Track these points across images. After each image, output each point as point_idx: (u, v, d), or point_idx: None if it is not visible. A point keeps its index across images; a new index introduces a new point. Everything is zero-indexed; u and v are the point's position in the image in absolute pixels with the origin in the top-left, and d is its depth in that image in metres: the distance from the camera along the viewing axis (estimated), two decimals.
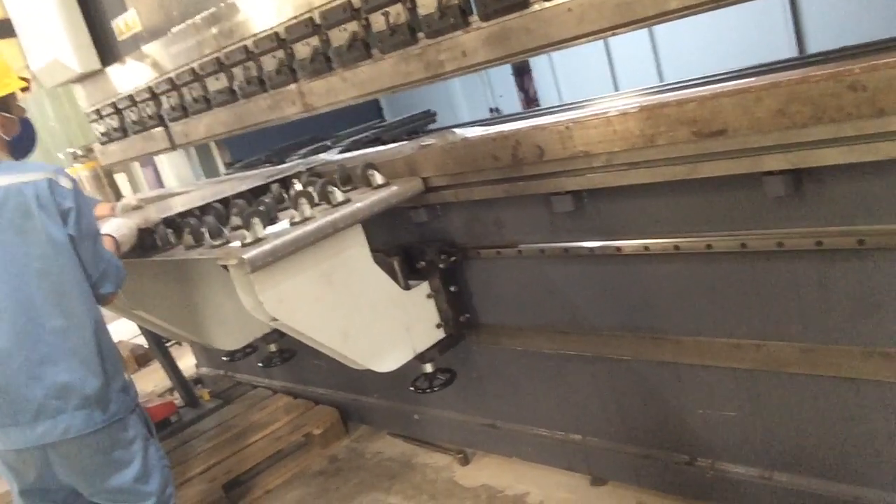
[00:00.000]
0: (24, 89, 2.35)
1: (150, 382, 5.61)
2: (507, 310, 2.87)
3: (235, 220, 2.64)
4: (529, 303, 2.77)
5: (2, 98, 2.26)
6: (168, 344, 4.94)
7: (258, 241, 2.28)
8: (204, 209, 2.85)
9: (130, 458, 2.32)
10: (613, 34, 2.09)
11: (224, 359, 4.21)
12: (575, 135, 2.19)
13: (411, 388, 2.98)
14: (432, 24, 2.44)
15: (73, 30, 4.09)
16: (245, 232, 2.31)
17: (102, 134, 4.56)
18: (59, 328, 2.16)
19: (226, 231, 2.52)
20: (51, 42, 4.16)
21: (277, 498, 3.50)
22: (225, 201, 2.94)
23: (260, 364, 4.00)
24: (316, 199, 2.57)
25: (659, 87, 3.23)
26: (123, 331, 6.46)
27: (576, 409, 2.84)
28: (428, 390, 2.95)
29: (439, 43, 2.49)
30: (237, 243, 2.32)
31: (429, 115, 4.24)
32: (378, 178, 2.66)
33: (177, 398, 4.59)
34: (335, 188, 2.54)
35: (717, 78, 2.72)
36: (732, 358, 2.28)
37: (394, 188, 2.62)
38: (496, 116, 4.81)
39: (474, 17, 2.37)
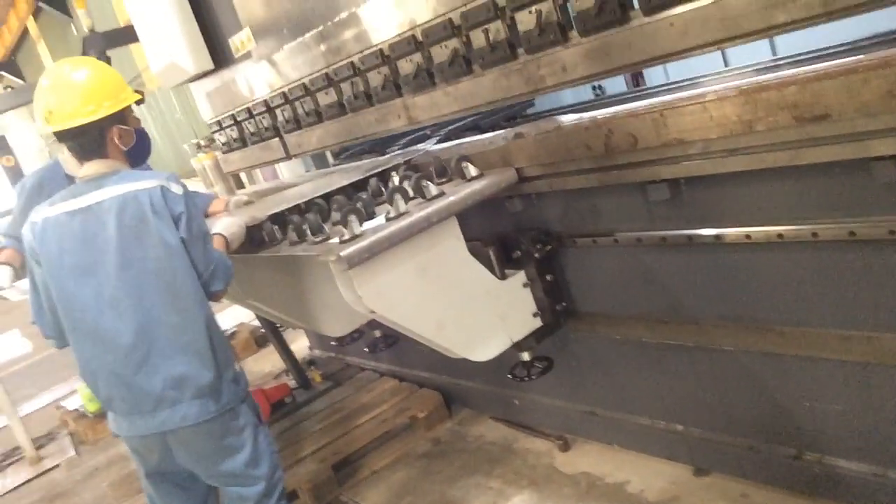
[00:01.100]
0: (138, 101, 2.52)
1: (268, 363, 5.92)
2: (604, 298, 2.84)
3: (336, 216, 2.74)
4: (627, 291, 2.73)
5: (118, 112, 2.42)
6: (282, 328, 5.20)
7: (355, 237, 2.36)
8: (308, 205, 2.97)
9: (241, 444, 2.47)
10: (719, 48, 2.02)
11: (333, 342, 4.39)
12: (669, 122, 2.14)
13: (509, 376, 3.02)
14: (532, 40, 2.46)
15: (187, 34, 4.32)
16: (343, 228, 2.40)
17: (223, 144, 4.82)
18: (174, 324, 2.33)
19: (326, 227, 2.62)
20: (168, 46, 4.42)
21: (383, 479, 3.63)
22: (327, 197, 3.05)
23: (366, 349, 4.15)
24: (411, 194, 2.63)
25: (771, 62, 3.07)
26: (243, 315, 6.84)
27: (677, 398, 2.79)
28: (525, 378, 2.98)
29: (539, 58, 2.49)
30: (336, 240, 2.41)
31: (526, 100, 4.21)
32: (472, 171, 2.69)
33: (291, 380, 4.82)
34: (429, 182, 2.58)
35: (832, 52, 2.57)
36: (841, 350, 2.17)
37: (487, 180, 2.64)
38: (598, 98, 4.70)
39: (574, 33, 2.36)
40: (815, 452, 2.42)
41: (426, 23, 2.83)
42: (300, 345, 5.68)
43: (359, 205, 2.64)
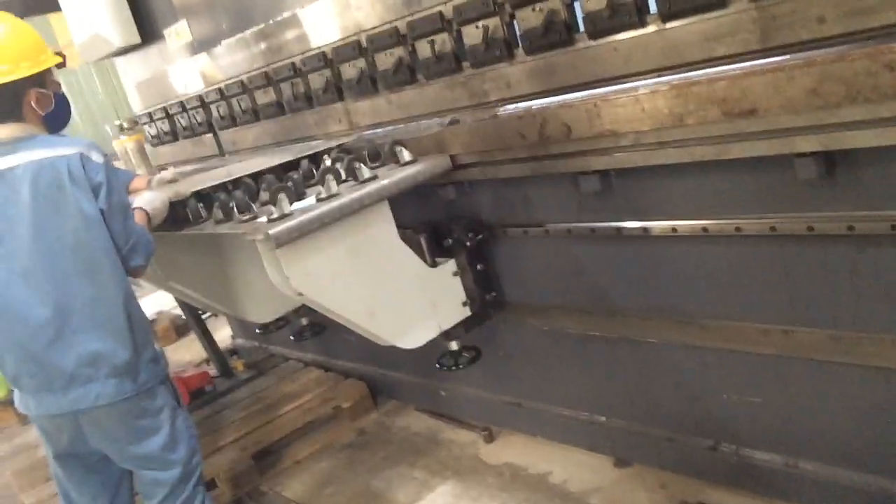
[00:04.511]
0: (59, 65, 2.39)
1: (189, 352, 5.75)
2: (533, 289, 2.85)
3: (264, 196, 2.67)
4: (556, 282, 2.75)
5: (37, 74, 2.28)
6: (205, 316, 5.06)
7: (284, 216, 2.30)
8: (235, 183, 2.88)
9: (158, 426, 2.38)
10: (660, 76, 2.09)
11: (258, 331, 4.29)
12: (603, 113, 2.15)
13: (437, 366, 3.00)
14: (477, 54, 2.53)
15: (113, 4, 4.16)
16: (272, 207, 2.34)
17: (153, 136, 4.70)
18: (90, 299, 2.21)
19: (254, 206, 2.55)
20: (92, 16, 4.24)
21: (306, 469, 3.56)
22: (256, 176, 2.97)
23: (291, 337, 4.07)
24: (343, 176, 2.58)
25: None
26: (164, 302, 6.62)
27: (600, 390, 2.83)
28: (453, 368, 2.97)
29: (484, 73, 2.57)
30: (264, 219, 2.34)
31: None
32: (406, 155, 2.66)
33: (212, 369, 4.69)
34: (362, 165, 2.54)
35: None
36: (760, 343, 2.24)
37: (420, 165, 2.61)
38: None
39: (519, 51, 2.43)
40: (731, 443, 2.49)
41: (372, 29, 2.88)
42: (223, 334, 5.53)
43: (289, 184, 2.57)
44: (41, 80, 2.31)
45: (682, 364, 2.50)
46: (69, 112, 2.50)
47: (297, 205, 2.43)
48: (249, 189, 2.81)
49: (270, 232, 2.21)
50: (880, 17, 1.71)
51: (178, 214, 2.80)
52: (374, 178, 2.53)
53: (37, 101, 2.29)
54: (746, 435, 2.43)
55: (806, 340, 2.13)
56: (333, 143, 3.20)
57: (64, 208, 2.17)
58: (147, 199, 2.58)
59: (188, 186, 2.78)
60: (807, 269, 2.05)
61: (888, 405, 2.06)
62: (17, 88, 2.25)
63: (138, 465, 2.40)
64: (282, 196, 2.34)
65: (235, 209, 2.52)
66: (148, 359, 2.34)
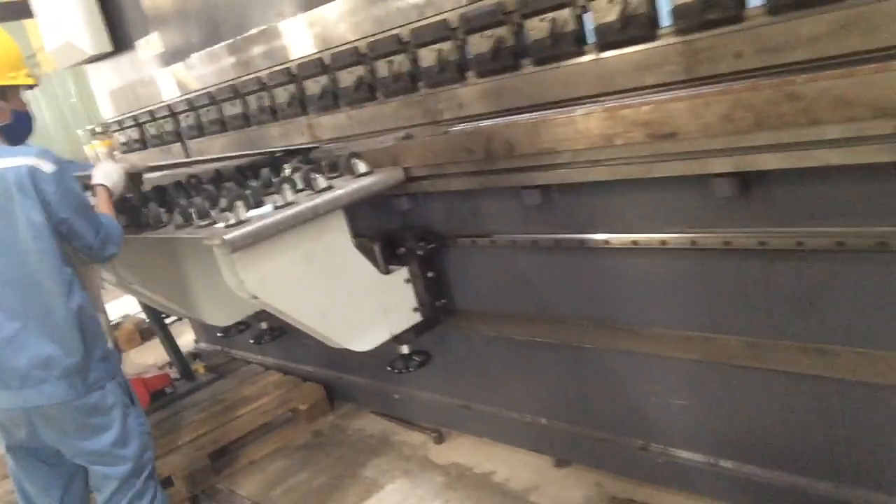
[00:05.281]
0: (30, 86, 2.46)
1: (152, 355, 5.80)
2: (481, 297, 3.00)
3: (224, 203, 2.78)
4: (502, 291, 2.90)
5: (3, 87, 2.34)
6: (169, 320, 5.12)
7: (240, 223, 2.42)
8: (196, 189, 2.99)
9: (109, 423, 2.45)
10: (596, 101, 2.26)
11: (219, 335, 4.39)
12: (542, 132, 2.31)
13: (388, 368, 3.13)
14: (432, 75, 2.69)
15: (86, 13, 4.26)
16: (229, 214, 2.45)
17: (123, 143, 4.79)
18: (40, 305, 2.29)
19: (213, 213, 2.66)
20: (65, 24, 4.32)
21: (261, 468, 3.66)
22: (217, 183, 3.09)
23: (251, 341, 4.17)
24: (300, 185, 2.71)
25: None
26: (129, 306, 6.67)
27: (542, 393, 2.97)
28: (403, 371, 3.10)
29: (438, 93, 2.73)
30: (221, 225, 2.46)
31: None
32: (361, 167, 2.79)
33: (174, 371, 4.76)
34: (318, 175, 2.67)
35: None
36: (683, 349, 2.40)
37: (375, 177, 2.74)
38: None
39: (470, 74, 2.59)
40: (659, 444, 2.65)
41: (335, 47, 3.02)
42: (187, 338, 5.60)
43: (248, 192, 2.69)
44: (3, 93, 2.37)
45: (615, 368, 2.66)
46: (30, 129, 2.53)
47: (254, 212, 2.54)
48: (210, 196, 2.92)
49: (226, 237, 2.32)
50: (790, 54, 1.88)
51: (140, 219, 2.91)
52: (330, 188, 2.65)
53: None
54: (673, 435, 2.59)
55: (725, 347, 2.30)
56: (292, 148, 3.34)
57: (13, 219, 2.23)
58: (105, 173, 2.69)
59: (144, 161, 2.87)
60: (724, 281, 2.22)
61: (798, 408, 2.23)
62: None
63: (89, 460, 2.49)
64: (238, 203, 2.46)
65: (195, 215, 2.63)
66: (98, 357, 2.42)
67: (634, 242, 2.36)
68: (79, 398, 2.37)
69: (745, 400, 2.34)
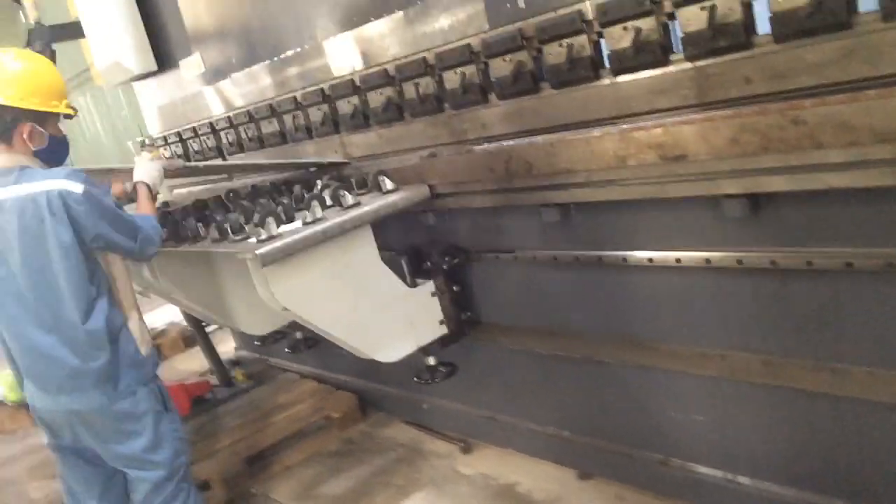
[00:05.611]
0: (67, 116, 2.59)
1: (196, 362, 5.98)
2: (504, 310, 3.07)
3: (257, 218, 2.91)
4: (524, 305, 2.97)
5: (39, 112, 2.47)
6: (211, 329, 5.31)
7: (271, 238, 2.54)
8: (234, 205, 3.14)
9: (140, 429, 2.59)
10: (612, 123, 2.31)
11: (256, 343, 4.54)
12: (559, 152, 2.38)
13: (415, 379, 3.22)
14: (456, 97, 2.78)
15: (133, 35, 4.46)
16: (261, 230, 2.58)
17: (168, 158, 4.98)
18: (67, 321, 2.44)
19: (247, 228, 2.79)
20: (114, 45, 4.54)
21: (294, 474, 3.78)
22: (253, 197, 3.23)
23: (287, 350, 4.31)
24: (328, 202, 2.82)
25: None
26: (173, 314, 6.90)
27: (564, 406, 3.03)
28: (430, 381, 3.19)
29: (462, 114, 2.81)
30: (254, 239, 2.59)
31: None
32: (388, 184, 2.89)
33: (214, 378, 4.93)
34: (346, 192, 2.78)
35: None
36: (700, 366, 2.43)
37: (401, 194, 2.84)
38: None
39: (493, 96, 2.68)
40: (679, 459, 2.68)
41: (364, 70, 3.13)
42: (228, 346, 5.78)
43: (279, 209, 2.81)
44: (42, 119, 2.49)
45: (635, 383, 2.70)
46: (66, 154, 2.67)
47: (284, 227, 2.67)
48: (246, 211, 3.06)
49: (258, 252, 2.45)
50: (797, 80, 1.91)
51: (179, 232, 3.06)
52: (357, 204, 2.77)
53: (29, 135, 2.46)
54: (691, 451, 2.62)
55: (740, 364, 2.33)
56: (325, 162, 3.47)
57: (44, 240, 2.38)
58: (144, 171, 2.85)
59: (181, 163, 3.02)
60: (738, 299, 2.26)
61: (815, 426, 2.25)
62: (16, 116, 2.43)
63: (123, 464, 2.63)
64: (270, 219, 2.58)
65: (230, 230, 2.77)
66: (127, 365, 2.55)
67: (650, 260, 2.41)
68: (110, 404, 2.51)
69: (762, 417, 2.37)
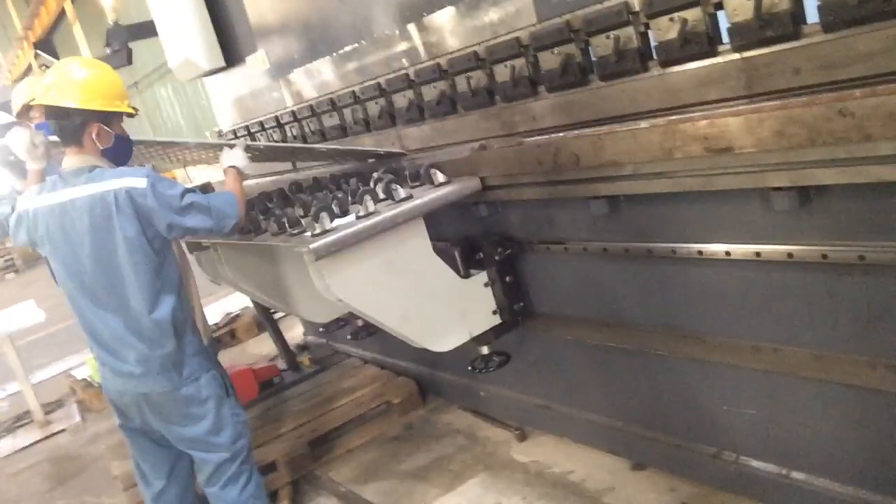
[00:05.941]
0: (129, 115, 2.75)
1: (267, 346, 6.20)
2: (557, 301, 3.09)
3: (314, 211, 3.01)
4: (576, 295, 2.98)
5: (104, 113, 2.64)
6: (279, 315, 5.49)
7: (325, 232, 2.63)
8: (295, 198, 3.25)
9: (204, 413, 2.76)
10: (661, 115, 2.31)
11: (320, 330, 4.68)
12: (606, 145, 2.37)
13: (469, 368, 3.28)
14: (507, 90, 2.81)
15: (202, 33, 4.64)
16: (316, 224, 2.67)
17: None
18: (134, 310, 2.62)
19: (304, 221, 2.89)
20: (184, 43, 4.72)
21: (354, 458, 3.91)
22: (315, 189, 3.34)
23: (348, 337, 4.43)
24: (381, 195, 2.89)
25: None
26: (247, 299, 7.15)
27: (618, 397, 3.03)
28: (483, 370, 3.24)
29: (513, 107, 2.84)
30: (309, 233, 2.68)
31: None
32: (440, 177, 2.94)
33: (282, 363, 5.12)
34: (398, 186, 2.84)
35: None
36: (752, 359, 2.40)
37: (452, 187, 2.88)
38: None
39: (542, 88, 2.69)
40: (731, 452, 2.66)
41: (418, 63, 3.19)
42: (297, 331, 5.98)
43: (334, 203, 2.90)
44: (107, 119, 2.66)
45: (687, 376, 2.69)
46: (130, 152, 2.83)
47: (338, 221, 2.75)
48: (305, 204, 3.16)
49: (311, 246, 2.54)
50: (847, 70, 1.87)
51: (243, 225, 3.19)
52: (409, 197, 2.82)
53: (97, 136, 2.63)
54: (744, 444, 2.59)
55: (792, 358, 2.29)
56: (382, 152, 3.55)
57: (112, 235, 2.56)
58: (231, 157, 3.03)
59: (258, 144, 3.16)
60: (789, 293, 2.22)
61: (869, 423, 2.20)
62: (85, 119, 2.60)
63: (188, 446, 2.81)
64: (323, 214, 2.67)
65: (287, 224, 2.87)
66: (191, 353, 2.73)
67: (700, 253, 2.39)
68: (175, 389, 2.68)
69: (814, 412, 2.32)
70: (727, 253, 2.31)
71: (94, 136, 2.63)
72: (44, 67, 14.13)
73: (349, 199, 3.04)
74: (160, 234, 2.63)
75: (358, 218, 2.72)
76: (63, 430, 5.86)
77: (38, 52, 17.09)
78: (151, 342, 2.64)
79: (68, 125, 2.60)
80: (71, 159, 2.65)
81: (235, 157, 3.06)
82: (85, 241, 2.58)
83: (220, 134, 5.47)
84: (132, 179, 2.56)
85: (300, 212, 3.07)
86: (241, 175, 3.01)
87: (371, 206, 2.74)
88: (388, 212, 2.72)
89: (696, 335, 2.56)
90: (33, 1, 16.37)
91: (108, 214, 2.55)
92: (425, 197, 2.82)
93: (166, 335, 2.65)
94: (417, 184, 3.06)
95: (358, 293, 2.76)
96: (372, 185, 3.08)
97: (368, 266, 2.75)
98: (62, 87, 2.60)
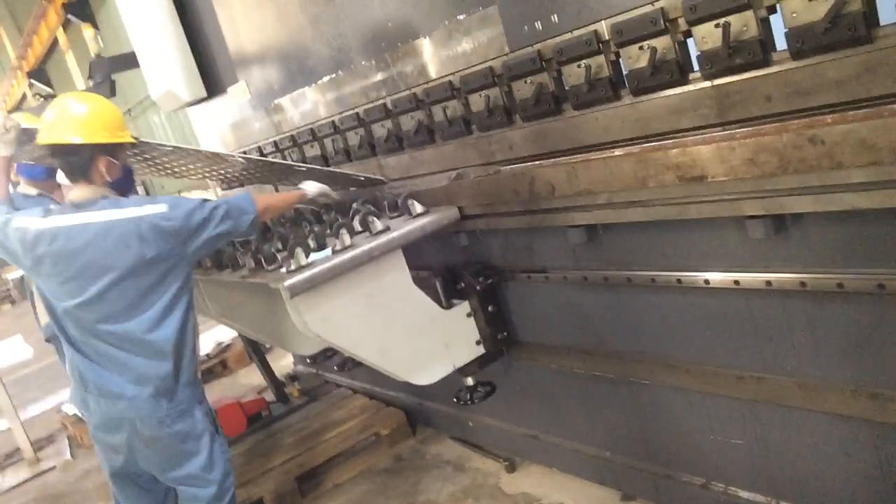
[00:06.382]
0: (133, 144, 2.76)
1: (257, 376, 6.14)
2: (540, 329, 3.04)
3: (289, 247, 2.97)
4: (559, 324, 2.93)
5: (110, 145, 2.63)
6: (268, 345, 5.44)
7: (300, 268, 2.59)
8: (273, 233, 3.21)
9: (199, 449, 2.71)
10: (633, 144, 2.29)
11: (308, 361, 4.62)
12: (580, 174, 2.34)
13: (454, 399, 3.22)
14: (482, 119, 2.79)
15: (183, 65, 4.63)
16: (291, 259, 2.63)
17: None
18: (144, 326, 2.59)
19: (280, 257, 2.85)
20: (166, 74, 4.71)
21: (344, 492, 3.84)
22: (296, 221, 3.30)
23: (335, 368, 4.37)
24: (358, 228, 2.86)
25: None
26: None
27: (605, 426, 2.98)
28: (468, 402, 3.18)
29: (489, 136, 2.82)
30: (285, 269, 2.64)
31: None
32: (417, 208, 2.90)
33: (271, 394, 5.06)
34: (375, 218, 2.80)
35: None
36: (735, 389, 2.35)
37: (430, 217, 2.85)
38: None
39: (517, 118, 2.67)
40: (720, 482, 2.60)
41: (395, 93, 3.15)
42: (287, 360, 5.92)
43: (311, 237, 2.86)
44: (113, 151, 2.65)
45: (672, 405, 2.63)
46: (132, 180, 2.87)
47: (314, 256, 2.71)
48: (283, 238, 3.12)
49: (286, 283, 2.50)
50: (819, 97, 1.84)
51: (221, 260, 3.15)
52: (386, 229, 2.79)
53: (106, 168, 2.62)
54: (733, 475, 2.54)
55: (776, 387, 2.24)
56: (362, 177, 3.51)
57: (129, 257, 2.52)
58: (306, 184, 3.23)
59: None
60: (769, 321, 2.18)
61: (855, 452, 2.15)
62: (92, 153, 2.59)
63: (181, 482, 2.76)
64: (298, 250, 2.63)
65: (263, 261, 2.83)
66: (185, 382, 2.69)
67: (679, 281, 2.35)
68: (164, 423, 2.63)
69: (801, 441, 2.27)
70: (706, 281, 2.27)
71: (102, 169, 2.62)
72: (38, 97, 14.16)
73: (327, 230, 3.00)
74: (179, 255, 2.60)
75: (334, 252, 2.69)
76: (53, 468, 5.78)
77: (33, 81, 17.15)
78: (149, 361, 2.60)
79: (76, 160, 2.60)
80: (78, 192, 2.63)
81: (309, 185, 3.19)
82: (96, 260, 2.53)
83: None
84: (152, 207, 2.55)
85: (278, 245, 3.03)
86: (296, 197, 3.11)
87: (347, 240, 2.70)
88: (365, 245, 2.69)
89: (678, 364, 2.52)
90: (26, 30, 16.45)
91: (126, 241, 2.51)
92: (402, 229, 2.78)
93: (166, 355, 2.61)
94: (396, 214, 3.03)
95: (336, 328, 2.72)
96: (350, 216, 3.04)
97: (347, 300, 2.71)
98: (65, 124, 2.58)
